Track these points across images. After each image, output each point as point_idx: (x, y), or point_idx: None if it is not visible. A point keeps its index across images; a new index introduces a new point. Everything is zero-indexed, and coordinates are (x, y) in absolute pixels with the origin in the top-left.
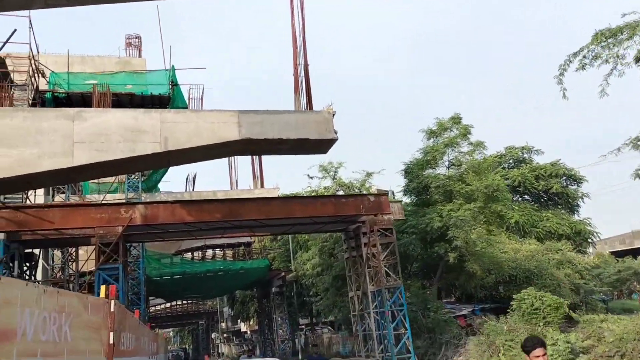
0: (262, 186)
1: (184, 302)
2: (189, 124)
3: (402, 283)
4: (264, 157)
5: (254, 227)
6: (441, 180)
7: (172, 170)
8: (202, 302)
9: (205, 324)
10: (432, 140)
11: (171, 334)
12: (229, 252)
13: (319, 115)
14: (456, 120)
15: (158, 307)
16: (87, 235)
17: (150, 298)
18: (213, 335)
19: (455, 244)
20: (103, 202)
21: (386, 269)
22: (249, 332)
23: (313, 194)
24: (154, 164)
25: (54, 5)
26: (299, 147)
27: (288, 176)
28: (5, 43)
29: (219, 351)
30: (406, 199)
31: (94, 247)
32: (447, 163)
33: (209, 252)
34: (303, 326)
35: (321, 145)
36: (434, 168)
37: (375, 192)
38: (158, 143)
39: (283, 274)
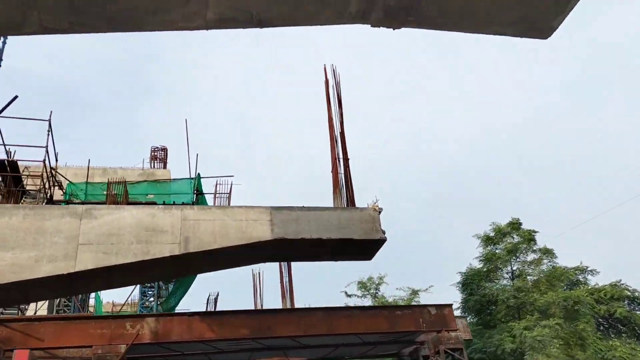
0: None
1: None
2: (214, 222)
3: None
4: (294, 280)
5: (288, 349)
6: (509, 293)
7: (191, 292)
8: None
9: None
10: (489, 247)
11: None
12: None
13: (363, 213)
14: (515, 225)
15: None
16: (84, 357)
17: None
18: None
19: None
20: (105, 314)
21: None
22: None
23: None
24: (172, 270)
25: (51, 31)
26: (341, 250)
27: (322, 297)
28: (4, 108)
29: None
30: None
31: None
32: (509, 274)
33: None
34: None
35: (367, 248)
36: (494, 281)
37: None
38: (177, 244)
39: None
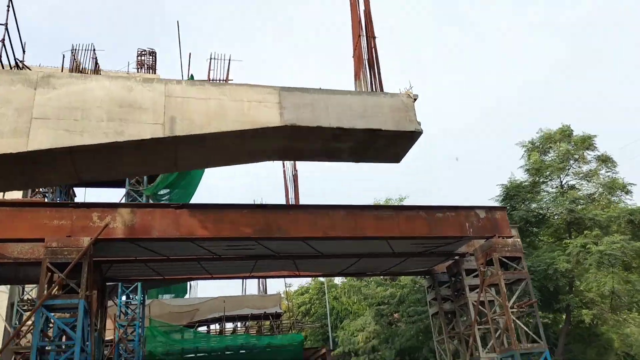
0: None
1: None
2: (207, 101)
3: (546, 346)
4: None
5: (300, 258)
6: (564, 206)
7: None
8: None
9: None
10: (535, 157)
11: None
12: (252, 329)
13: (394, 100)
14: (566, 132)
15: None
16: (37, 259)
17: None
18: None
19: (591, 296)
20: (67, 202)
21: (519, 323)
22: None
23: None
24: (154, 161)
25: None
26: (366, 147)
27: None
28: None
29: None
30: None
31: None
32: (558, 187)
33: (229, 326)
34: None
35: (397, 144)
36: (541, 194)
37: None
38: (160, 125)
39: (324, 350)
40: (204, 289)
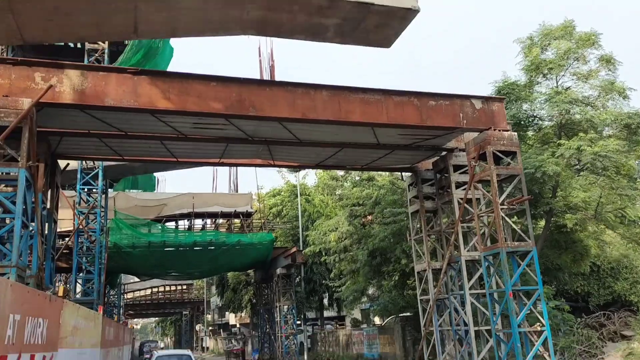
0: None
1: (166, 287)
2: None
3: (534, 245)
4: None
5: (276, 144)
6: (559, 106)
7: None
8: (187, 290)
9: (189, 314)
10: (531, 56)
11: (153, 325)
12: (222, 227)
13: None
14: (569, 27)
15: (137, 294)
16: None
17: (129, 282)
18: (197, 328)
19: (576, 202)
20: (3, 57)
21: (508, 220)
22: (238, 325)
23: None
24: (109, 20)
25: None
26: (354, 25)
27: None
28: None
29: (203, 345)
30: None
31: None
32: (554, 88)
33: (198, 223)
34: (309, 321)
35: (389, 24)
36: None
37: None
38: None
39: (294, 249)
40: (173, 185)
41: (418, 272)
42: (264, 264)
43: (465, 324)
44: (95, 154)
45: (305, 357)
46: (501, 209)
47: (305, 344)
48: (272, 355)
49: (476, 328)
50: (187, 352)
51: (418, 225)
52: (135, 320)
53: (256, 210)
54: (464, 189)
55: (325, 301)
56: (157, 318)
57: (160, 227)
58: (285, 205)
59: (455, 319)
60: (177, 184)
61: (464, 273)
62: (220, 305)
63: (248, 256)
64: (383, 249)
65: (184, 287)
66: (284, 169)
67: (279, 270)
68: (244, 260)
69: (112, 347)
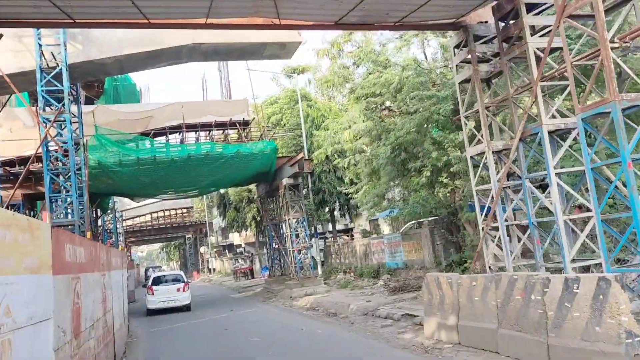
0: None
1: (166, 212)
2: None
3: None
4: None
5: None
6: None
7: None
8: (188, 213)
9: (193, 237)
10: None
11: (158, 250)
12: (217, 139)
13: None
14: None
15: (137, 220)
16: None
17: (126, 209)
18: (202, 250)
19: None
20: None
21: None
22: (243, 245)
23: None
24: None
25: None
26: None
27: None
28: None
29: (210, 267)
30: None
31: None
32: None
33: (190, 137)
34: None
35: None
36: None
37: None
38: None
39: (300, 156)
40: (158, 97)
41: (472, 157)
42: (267, 176)
43: (550, 213)
44: (35, 17)
45: (320, 270)
46: (612, 47)
47: (318, 257)
48: (283, 271)
49: (565, 217)
50: (179, 272)
51: (469, 97)
52: (141, 247)
53: (253, 119)
54: (542, 36)
55: (337, 212)
56: (160, 244)
57: (148, 142)
58: (284, 113)
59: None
60: (163, 97)
61: (547, 147)
62: (224, 226)
63: (250, 168)
64: (408, 143)
65: (184, 210)
66: (280, 75)
67: (285, 181)
68: (246, 172)
69: (84, 273)
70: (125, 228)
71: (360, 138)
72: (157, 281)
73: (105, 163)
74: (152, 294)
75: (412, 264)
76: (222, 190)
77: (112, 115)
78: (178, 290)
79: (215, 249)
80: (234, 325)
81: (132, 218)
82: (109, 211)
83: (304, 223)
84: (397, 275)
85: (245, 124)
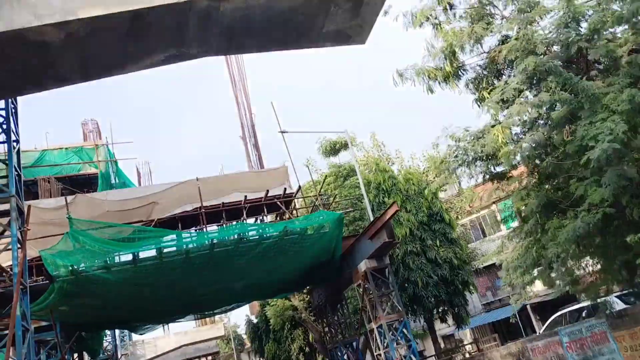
0: None
1: None
2: None
3: None
4: None
5: None
6: None
7: None
8: (214, 358)
9: None
10: None
11: None
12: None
13: None
14: None
15: None
16: None
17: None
18: None
19: None
20: None
21: None
22: None
23: None
24: None
25: None
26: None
27: None
28: None
29: None
30: None
31: None
32: None
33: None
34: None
35: None
36: None
37: None
38: None
39: (390, 213)
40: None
41: None
42: (329, 268)
43: None
44: None
45: None
46: None
47: None
48: None
49: None
50: None
51: None
52: None
53: (299, 188)
54: None
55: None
56: None
57: (150, 232)
58: (332, 195)
59: None
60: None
61: None
62: None
63: (303, 256)
64: None
65: (209, 358)
66: (317, 156)
67: (364, 265)
68: (298, 265)
69: None
70: None
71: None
72: None
73: (84, 270)
74: None
75: None
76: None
77: (97, 207)
78: None
79: None
80: None
81: None
82: (106, 355)
83: (405, 329)
84: None
85: (287, 201)
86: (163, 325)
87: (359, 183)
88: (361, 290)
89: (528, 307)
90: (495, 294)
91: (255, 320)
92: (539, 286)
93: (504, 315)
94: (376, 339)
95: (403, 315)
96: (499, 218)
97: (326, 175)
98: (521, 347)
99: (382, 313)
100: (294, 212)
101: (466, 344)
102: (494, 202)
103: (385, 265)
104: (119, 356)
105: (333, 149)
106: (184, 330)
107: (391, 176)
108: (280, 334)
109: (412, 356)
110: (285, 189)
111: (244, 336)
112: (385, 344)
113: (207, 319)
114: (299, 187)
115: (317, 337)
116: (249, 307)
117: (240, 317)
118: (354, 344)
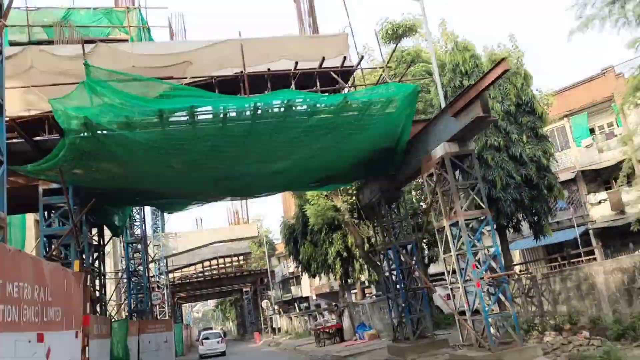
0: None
1: (219, 260)
2: None
3: None
4: None
5: None
6: None
7: None
8: (245, 260)
9: (251, 290)
10: None
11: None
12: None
13: None
14: None
15: (177, 274)
16: None
17: (171, 254)
18: (264, 305)
19: None
20: None
21: None
22: (314, 297)
23: None
24: None
25: None
26: None
27: None
28: None
29: (274, 325)
30: None
31: None
32: None
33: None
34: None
35: None
36: None
37: None
38: None
39: (489, 81)
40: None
41: None
42: (390, 156)
43: None
44: None
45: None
46: None
47: (508, 302)
48: (421, 329)
49: None
50: (219, 331)
51: None
52: (196, 308)
53: (362, 58)
54: None
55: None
56: (214, 300)
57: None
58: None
59: None
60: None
61: None
62: (291, 270)
63: (362, 140)
64: None
65: (241, 257)
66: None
67: (441, 151)
68: (353, 150)
69: None
70: (171, 280)
71: None
72: (205, 337)
73: (100, 123)
74: (202, 345)
75: None
76: (283, 216)
77: (123, 61)
78: (218, 342)
79: (276, 305)
80: None
81: (181, 269)
82: (134, 238)
83: (487, 228)
84: None
85: (346, 72)
86: (194, 205)
87: (424, 71)
88: (433, 181)
89: (590, 232)
90: (554, 215)
91: (291, 222)
92: (605, 209)
93: (563, 239)
94: (447, 240)
95: (487, 213)
96: (569, 136)
97: (388, 59)
98: (635, 262)
99: (460, 209)
100: (353, 88)
101: (515, 264)
102: (565, 116)
103: (469, 152)
104: (148, 243)
105: (395, 33)
106: (217, 228)
107: (473, 55)
108: (317, 237)
109: (492, 262)
110: (344, 58)
111: (275, 241)
112: (458, 246)
113: (241, 219)
114: (361, 57)
115: (359, 242)
116: (284, 211)
117: (272, 222)
118: (409, 246)
